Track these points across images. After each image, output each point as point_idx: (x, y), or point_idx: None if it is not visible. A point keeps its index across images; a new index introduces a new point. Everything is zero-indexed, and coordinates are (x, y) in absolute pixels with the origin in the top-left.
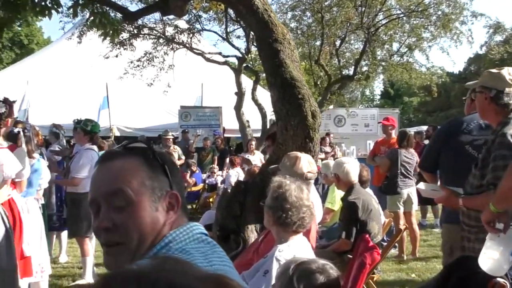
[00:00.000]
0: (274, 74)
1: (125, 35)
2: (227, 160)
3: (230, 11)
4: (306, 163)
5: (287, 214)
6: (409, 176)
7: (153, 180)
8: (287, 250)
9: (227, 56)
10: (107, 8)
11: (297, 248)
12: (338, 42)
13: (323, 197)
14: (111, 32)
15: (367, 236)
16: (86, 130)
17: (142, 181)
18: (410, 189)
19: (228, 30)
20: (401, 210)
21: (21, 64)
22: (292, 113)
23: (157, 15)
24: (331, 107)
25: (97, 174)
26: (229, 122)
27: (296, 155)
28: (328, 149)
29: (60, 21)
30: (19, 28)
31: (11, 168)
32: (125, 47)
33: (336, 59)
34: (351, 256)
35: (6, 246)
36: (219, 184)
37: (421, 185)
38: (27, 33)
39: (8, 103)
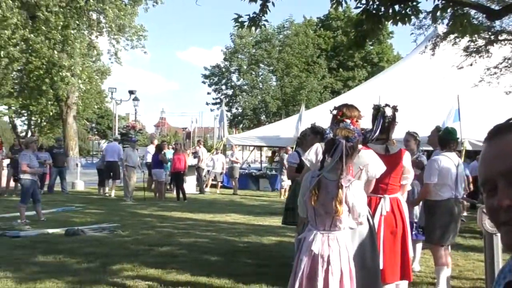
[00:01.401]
0: None
1: (480, 42)
2: None
3: None
4: None
5: None
6: None
7: None
8: None
9: None
10: (468, 9)
11: None
12: None
13: None
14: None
15: None
16: (440, 136)
17: None
18: None
19: None
20: None
21: (373, 80)
22: None
23: None
24: None
25: (488, 151)
26: None
27: None
28: None
29: (411, 34)
30: (371, 47)
31: (375, 168)
32: (480, 54)
33: None
34: None
35: (370, 245)
36: None
37: None
38: (378, 51)
39: (393, 107)
